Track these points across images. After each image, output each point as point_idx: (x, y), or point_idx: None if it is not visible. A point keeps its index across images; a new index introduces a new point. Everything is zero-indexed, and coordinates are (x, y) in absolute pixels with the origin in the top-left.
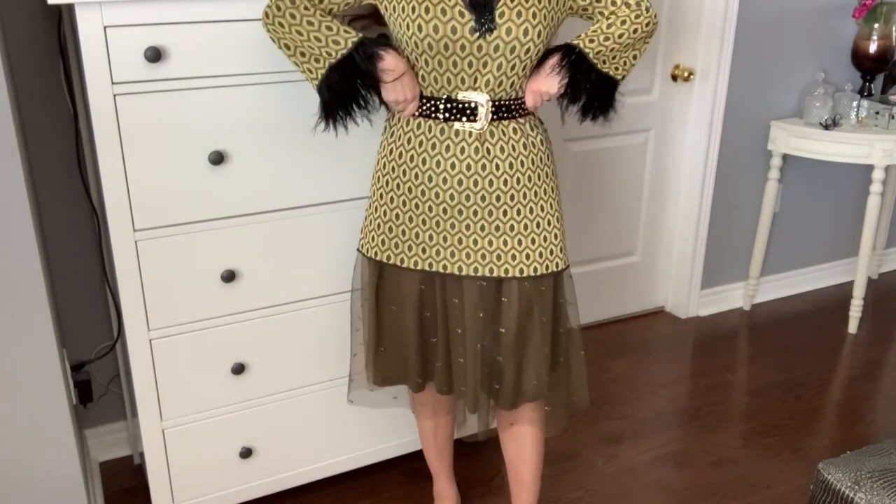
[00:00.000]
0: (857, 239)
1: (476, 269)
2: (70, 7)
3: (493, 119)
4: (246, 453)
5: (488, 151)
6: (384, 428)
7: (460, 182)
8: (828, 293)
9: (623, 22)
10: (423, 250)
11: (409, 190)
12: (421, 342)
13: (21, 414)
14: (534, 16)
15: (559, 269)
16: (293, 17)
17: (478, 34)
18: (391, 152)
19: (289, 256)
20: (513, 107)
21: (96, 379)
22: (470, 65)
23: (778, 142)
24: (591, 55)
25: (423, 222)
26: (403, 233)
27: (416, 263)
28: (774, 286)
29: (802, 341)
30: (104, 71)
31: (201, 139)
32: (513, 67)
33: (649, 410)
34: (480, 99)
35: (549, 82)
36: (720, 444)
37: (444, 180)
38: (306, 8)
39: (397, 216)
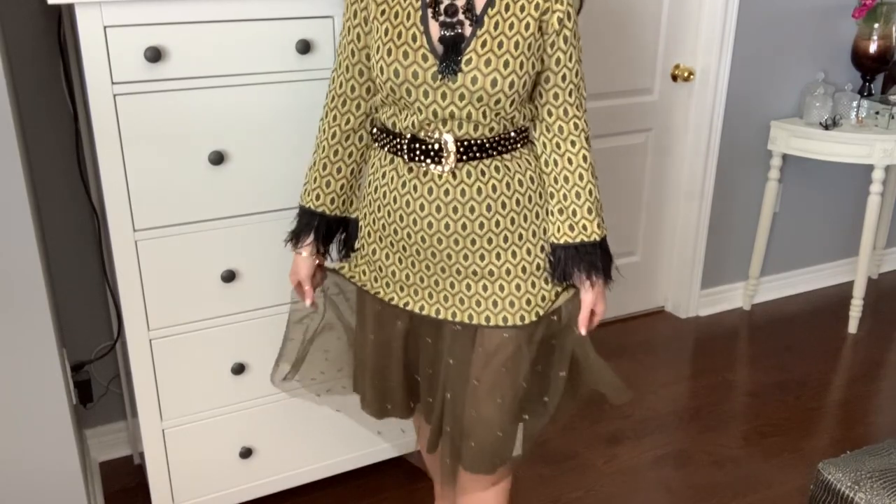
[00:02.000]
0: (857, 239)
1: (454, 314)
2: (70, 7)
3: (465, 159)
4: (246, 453)
5: (462, 193)
6: (384, 428)
7: (430, 224)
8: (828, 293)
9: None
10: (401, 288)
11: (384, 227)
12: (406, 374)
13: (21, 414)
14: (505, 65)
15: (546, 313)
16: (325, 131)
17: (440, 80)
18: (369, 184)
19: (289, 256)
20: (488, 145)
21: (96, 379)
22: (434, 113)
23: (778, 142)
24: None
25: (400, 260)
26: (381, 269)
27: (392, 300)
28: (774, 286)
29: (802, 341)
30: (104, 71)
31: (201, 139)
32: (484, 115)
33: (649, 410)
34: (447, 139)
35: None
36: (720, 444)
37: (415, 221)
38: (339, 130)
39: (374, 252)
